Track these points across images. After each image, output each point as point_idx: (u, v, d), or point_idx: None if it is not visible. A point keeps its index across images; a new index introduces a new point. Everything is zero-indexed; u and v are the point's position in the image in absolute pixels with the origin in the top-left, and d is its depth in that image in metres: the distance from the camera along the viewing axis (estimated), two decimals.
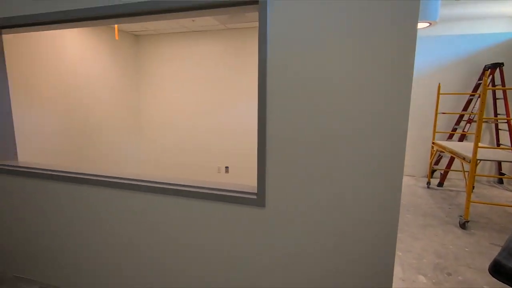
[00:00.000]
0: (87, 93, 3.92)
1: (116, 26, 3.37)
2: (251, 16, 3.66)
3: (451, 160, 4.62)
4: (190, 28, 4.36)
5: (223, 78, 4.44)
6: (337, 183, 1.43)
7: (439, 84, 4.38)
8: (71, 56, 3.66)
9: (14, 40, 3.11)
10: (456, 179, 5.07)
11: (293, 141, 1.46)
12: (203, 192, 1.67)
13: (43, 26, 2.05)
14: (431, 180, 4.82)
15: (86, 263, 2.09)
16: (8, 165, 2.24)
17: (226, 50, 4.36)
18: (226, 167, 4.46)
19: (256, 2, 1.44)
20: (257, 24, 4.15)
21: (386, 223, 1.39)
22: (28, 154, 3.24)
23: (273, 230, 1.58)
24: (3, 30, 2.20)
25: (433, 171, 4.94)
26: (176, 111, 4.73)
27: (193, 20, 3.58)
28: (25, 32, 2.25)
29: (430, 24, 3.15)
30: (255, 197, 1.59)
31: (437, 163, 5.12)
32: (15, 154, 2.42)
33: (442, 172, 4.74)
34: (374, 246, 1.43)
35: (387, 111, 1.31)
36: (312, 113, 1.41)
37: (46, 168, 2.16)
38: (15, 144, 2.41)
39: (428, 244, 2.84)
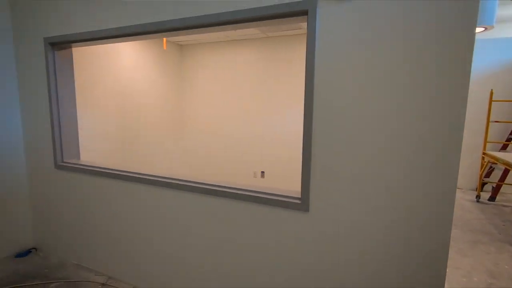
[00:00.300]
0: (137, 100, 4.24)
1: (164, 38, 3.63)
2: (292, 24, 3.73)
3: (505, 172, 4.25)
4: (231, 37, 4.55)
5: (262, 85, 4.54)
6: (385, 194, 1.41)
7: (492, 90, 4.08)
8: (125, 66, 4.00)
9: (77, 52, 3.48)
10: (510, 193, 4.65)
11: (340, 149, 1.48)
12: (248, 195, 1.74)
13: (103, 40, 2.29)
14: (481, 193, 4.47)
15: (137, 255, 2.26)
16: (73, 163, 2.51)
17: (265, 58, 4.46)
18: (262, 172, 4.53)
19: (306, 13, 1.49)
20: (297, 31, 4.21)
21: (437, 237, 1.35)
22: (87, 154, 3.58)
23: (316, 235, 1.60)
24: (73, 44, 2.49)
25: (483, 184, 4.58)
26: (215, 117, 4.92)
27: (235, 30, 3.72)
28: (89, 45, 2.52)
29: (486, 28, 2.98)
30: (298, 201, 1.63)
31: (488, 175, 4.73)
32: (78, 153, 2.70)
33: (494, 185, 4.38)
34: (424, 261, 1.38)
35: (440, 121, 1.28)
36: (362, 121, 1.42)
37: (102, 166, 2.38)
38: (78, 145, 2.69)
39: (479, 262, 2.64)
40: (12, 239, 2.71)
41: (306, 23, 1.48)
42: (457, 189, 4.89)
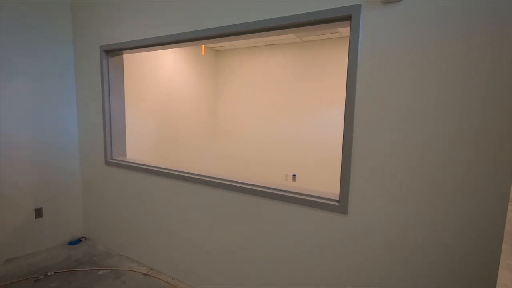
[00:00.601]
0: (177, 103, 4.48)
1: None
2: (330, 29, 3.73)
3: None
4: (265, 42, 4.64)
5: (295, 89, 4.57)
6: (426, 203, 1.38)
7: None
8: (166, 71, 4.25)
9: (125, 58, 3.77)
10: None
11: (382, 152, 1.47)
12: (285, 195, 1.78)
13: (149, 47, 2.47)
14: None
15: (176, 248, 2.38)
16: (120, 160, 2.72)
17: (299, 62, 4.50)
18: (294, 175, 4.54)
19: (349, 18, 1.52)
20: (331, 36, 4.20)
21: (486, 252, 1.29)
22: (131, 152, 3.84)
23: (355, 237, 1.59)
24: (124, 52, 2.72)
25: None
26: (249, 119, 5.03)
27: (276, 36, 3.81)
28: (138, 52, 2.73)
29: None
30: (337, 203, 1.64)
31: None
32: (125, 151, 2.92)
33: None
34: (471, 277, 1.33)
35: (493, 129, 1.24)
36: (406, 124, 1.41)
37: (147, 164, 2.55)
38: (125, 143, 2.91)
39: None
40: (66, 228, 2.99)
41: (343, 27, 1.50)
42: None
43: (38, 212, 2.77)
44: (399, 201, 1.45)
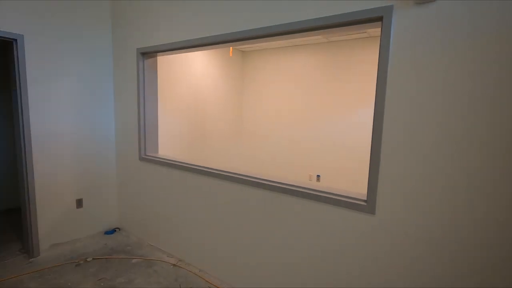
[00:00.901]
0: (204, 103, 4.63)
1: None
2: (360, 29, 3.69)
3: None
4: (292, 42, 4.67)
5: (320, 90, 4.56)
6: (456, 206, 1.36)
7: None
8: (196, 71, 4.41)
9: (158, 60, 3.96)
10: None
11: (412, 153, 1.47)
12: (315, 194, 1.81)
13: (181, 50, 2.59)
14: None
15: (204, 241, 2.49)
16: (153, 156, 2.88)
17: (325, 63, 4.48)
18: (318, 176, 4.53)
19: (380, 19, 1.53)
20: (358, 36, 4.15)
21: None
22: (162, 149, 4.04)
23: (382, 237, 1.60)
24: (158, 54, 2.88)
25: None
26: (274, 119, 5.09)
27: (305, 37, 3.85)
28: (171, 54, 2.88)
29: None
30: (364, 203, 1.65)
31: None
32: (157, 148, 3.08)
33: None
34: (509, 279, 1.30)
35: None
36: (435, 126, 1.40)
37: (178, 160, 2.68)
38: (157, 141, 3.08)
39: None
40: (102, 218, 3.22)
41: (372, 28, 1.51)
42: None
43: (79, 203, 3.00)
44: (428, 203, 1.44)
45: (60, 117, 2.78)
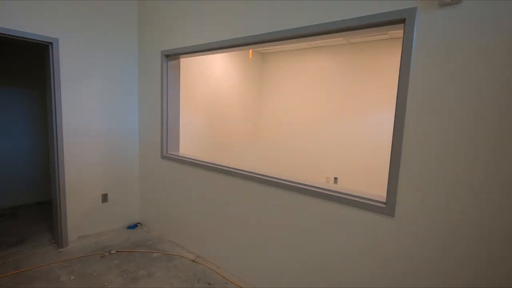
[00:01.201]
0: (224, 104, 4.72)
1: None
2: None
3: None
4: (312, 44, 4.67)
5: (339, 92, 4.53)
6: (480, 208, 1.34)
7: None
8: (215, 73, 4.51)
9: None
10: None
11: (434, 159, 1.46)
12: (333, 195, 1.83)
13: (203, 52, 2.67)
14: None
15: (222, 238, 2.55)
16: (174, 155, 2.98)
17: (345, 65, 4.45)
18: (335, 178, 4.50)
19: (402, 21, 1.53)
20: (379, 37, 4.09)
21: None
22: (181, 148, 4.16)
23: (401, 239, 1.59)
24: (181, 56, 2.98)
25: None
26: (291, 121, 5.10)
27: (326, 39, 3.85)
28: (194, 56, 2.98)
29: None
30: (383, 205, 1.65)
31: None
32: (178, 147, 3.18)
33: None
34: None
35: None
36: (458, 128, 1.38)
37: (197, 159, 2.76)
38: (179, 140, 3.18)
39: None
40: (125, 213, 3.36)
41: (394, 30, 1.51)
42: None
43: (104, 198, 3.15)
44: (449, 205, 1.42)
45: (88, 116, 2.94)
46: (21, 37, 2.42)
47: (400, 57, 1.60)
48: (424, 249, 1.52)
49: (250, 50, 4.27)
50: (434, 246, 1.49)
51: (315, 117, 4.79)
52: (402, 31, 1.55)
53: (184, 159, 2.85)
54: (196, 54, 2.80)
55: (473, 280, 1.40)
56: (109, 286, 2.28)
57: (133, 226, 3.35)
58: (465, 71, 1.35)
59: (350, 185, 4.37)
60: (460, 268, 1.43)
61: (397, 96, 1.55)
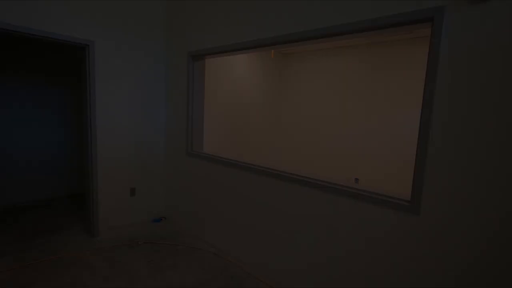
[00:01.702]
0: (245, 103, 4.81)
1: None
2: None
3: None
4: (333, 44, 4.66)
5: (360, 92, 4.49)
6: (505, 211, 1.32)
7: None
8: (238, 73, 4.61)
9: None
10: None
11: (460, 158, 1.45)
12: (353, 192, 1.85)
13: (227, 53, 2.76)
14: None
15: (242, 233, 2.63)
16: (199, 152, 3.09)
17: (366, 64, 4.41)
18: (356, 179, 4.46)
19: (430, 20, 1.53)
20: (404, 36, 4.02)
21: None
22: (208, 145, 4.29)
23: (427, 239, 1.59)
24: (206, 56, 3.09)
25: None
26: (312, 121, 5.11)
27: (352, 39, 3.84)
28: (217, 57, 3.08)
29: None
30: (407, 204, 1.65)
31: None
32: (202, 144, 3.30)
33: None
34: None
35: None
36: (491, 131, 1.37)
37: (221, 156, 2.85)
38: (203, 138, 3.30)
39: None
40: (151, 207, 3.51)
41: (421, 29, 1.51)
42: None
43: (132, 192, 3.32)
44: (477, 205, 1.41)
45: (120, 114, 3.11)
46: (64, 40, 2.62)
47: (426, 55, 1.60)
48: (452, 249, 1.51)
49: (272, 50, 4.32)
50: (460, 246, 1.48)
51: (336, 117, 4.77)
52: (426, 29, 1.55)
53: (208, 156, 2.95)
54: (221, 54, 2.90)
55: (502, 281, 1.38)
56: (138, 274, 2.41)
57: (158, 220, 3.50)
58: (496, 70, 1.34)
59: (371, 185, 4.31)
60: (487, 269, 1.41)
61: (423, 98, 1.55)
